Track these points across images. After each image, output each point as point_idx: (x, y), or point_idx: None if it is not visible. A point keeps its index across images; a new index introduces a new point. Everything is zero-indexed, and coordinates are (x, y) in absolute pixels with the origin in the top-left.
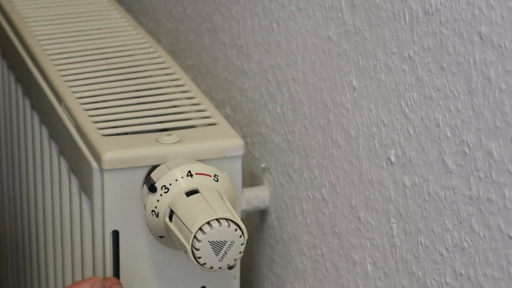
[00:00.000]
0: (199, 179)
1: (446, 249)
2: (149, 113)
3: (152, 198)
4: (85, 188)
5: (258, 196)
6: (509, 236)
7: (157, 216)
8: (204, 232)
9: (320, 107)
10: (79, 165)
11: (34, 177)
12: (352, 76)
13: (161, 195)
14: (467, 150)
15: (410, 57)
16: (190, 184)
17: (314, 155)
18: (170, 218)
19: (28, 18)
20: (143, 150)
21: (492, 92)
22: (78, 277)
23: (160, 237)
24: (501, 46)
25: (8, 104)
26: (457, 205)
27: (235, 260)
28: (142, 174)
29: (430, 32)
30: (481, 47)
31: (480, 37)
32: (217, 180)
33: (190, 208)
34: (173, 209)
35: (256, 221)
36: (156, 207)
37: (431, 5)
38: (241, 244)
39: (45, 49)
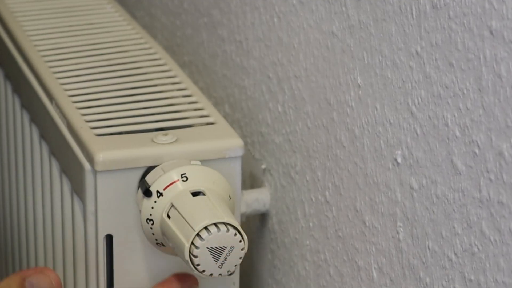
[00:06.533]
0: None
1: (455, 254)
2: (145, 111)
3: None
4: (78, 190)
5: (258, 199)
6: None
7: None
8: (202, 238)
9: (323, 105)
10: (71, 166)
11: (24, 179)
12: (356, 73)
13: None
14: (477, 151)
15: (417, 53)
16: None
17: (317, 156)
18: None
19: (17, 13)
20: (138, 151)
21: (503, 90)
22: (70, 283)
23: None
24: None
25: None
26: (466, 208)
27: (235, 266)
28: (137, 175)
29: (438, 27)
30: (492, 42)
31: (491, 32)
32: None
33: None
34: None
35: (256, 224)
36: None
37: None
38: (241, 249)
39: (36, 45)
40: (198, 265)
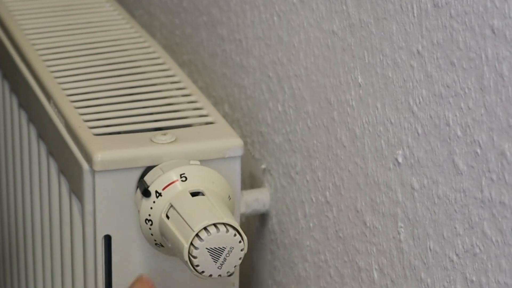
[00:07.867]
0: None
1: (457, 254)
2: (143, 111)
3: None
4: (76, 190)
5: (258, 199)
6: None
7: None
8: (202, 238)
9: (324, 105)
10: (69, 166)
11: (22, 179)
12: (357, 72)
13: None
14: (478, 151)
15: (418, 52)
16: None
17: (317, 156)
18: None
19: (15, 11)
20: (137, 151)
21: (505, 89)
22: (68, 284)
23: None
24: None
25: None
26: (468, 208)
27: (234, 266)
28: (135, 175)
29: (440, 26)
30: (494, 41)
31: (493, 31)
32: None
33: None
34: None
35: (256, 225)
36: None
37: None
38: (241, 250)
39: (33, 44)
40: (197, 266)
